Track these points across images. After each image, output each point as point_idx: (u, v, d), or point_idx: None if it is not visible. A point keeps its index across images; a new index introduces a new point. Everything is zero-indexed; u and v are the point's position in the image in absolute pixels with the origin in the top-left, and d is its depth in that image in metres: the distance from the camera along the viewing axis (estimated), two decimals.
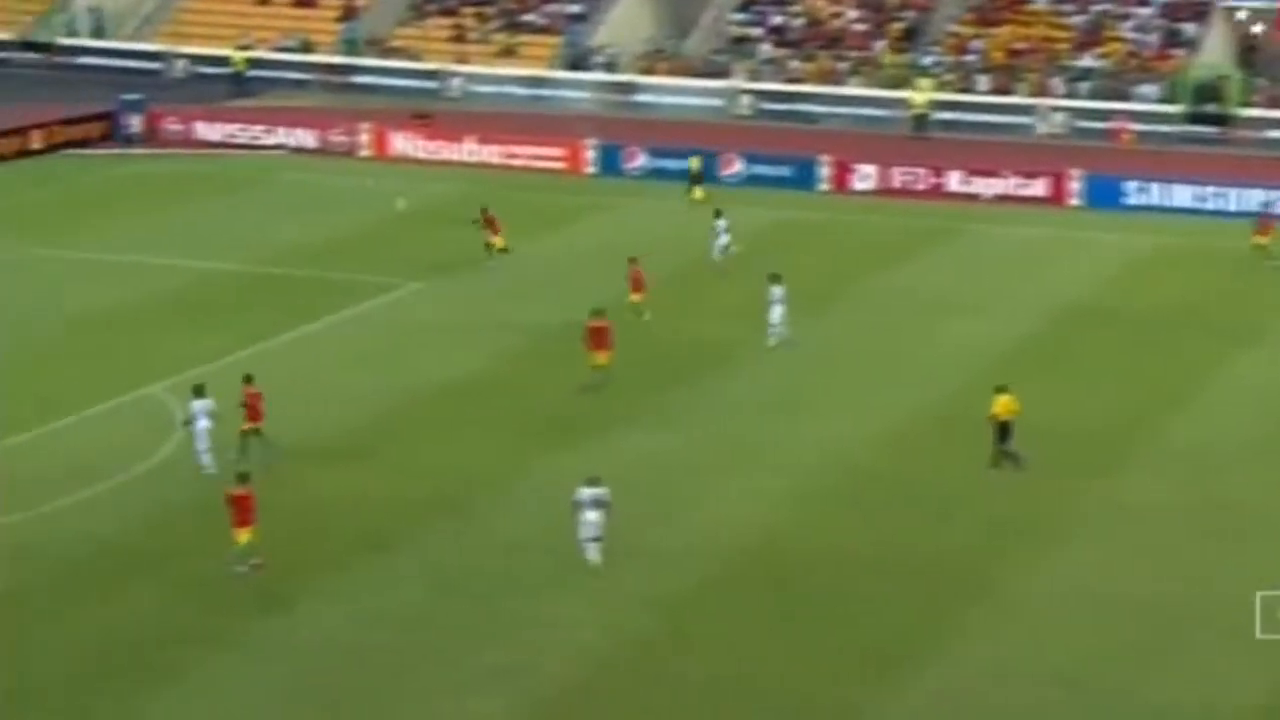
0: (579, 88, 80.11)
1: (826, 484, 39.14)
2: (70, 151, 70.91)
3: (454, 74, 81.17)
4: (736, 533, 36.69)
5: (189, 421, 39.38)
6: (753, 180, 66.84)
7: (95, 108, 73.80)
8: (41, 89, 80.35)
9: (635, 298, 49.10)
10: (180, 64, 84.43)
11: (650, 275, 49.83)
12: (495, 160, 69.95)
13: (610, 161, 68.08)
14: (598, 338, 44.40)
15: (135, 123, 73.02)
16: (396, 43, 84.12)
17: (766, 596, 34.09)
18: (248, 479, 34.84)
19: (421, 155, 70.79)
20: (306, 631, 32.50)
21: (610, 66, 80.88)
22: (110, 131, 72.93)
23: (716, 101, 78.01)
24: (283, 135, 72.83)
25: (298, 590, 33.99)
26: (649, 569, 35.04)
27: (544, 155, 69.89)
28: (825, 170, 66.95)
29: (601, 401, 43.71)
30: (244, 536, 34.31)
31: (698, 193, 63.49)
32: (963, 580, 34.63)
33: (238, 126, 73.68)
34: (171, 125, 73.73)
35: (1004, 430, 39.51)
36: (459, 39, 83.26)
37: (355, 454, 40.76)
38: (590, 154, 69.26)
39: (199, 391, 39.52)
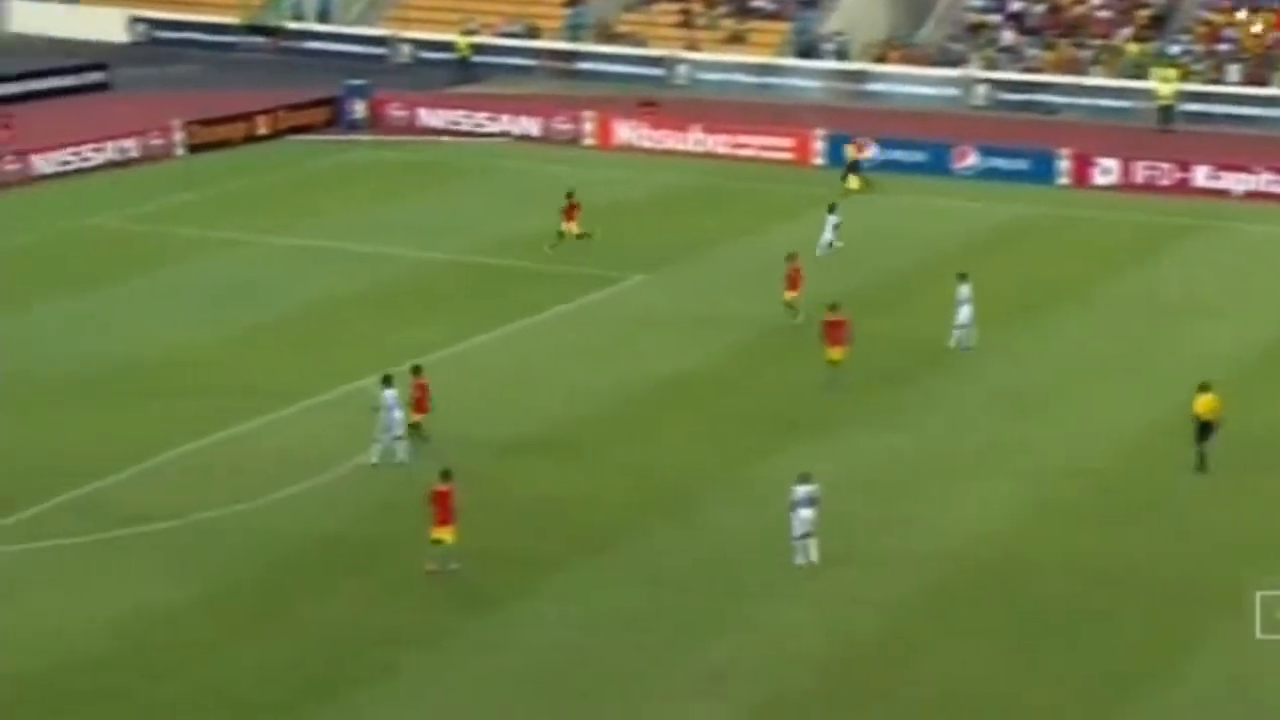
0: (809, 76, 79.60)
1: (1061, 492, 38.40)
2: (295, 137, 71.90)
3: (681, 61, 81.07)
4: (967, 539, 36.12)
5: (377, 408, 39.57)
6: (988, 174, 65.88)
7: (320, 93, 74.72)
8: (267, 74, 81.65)
9: (790, 295, 48.55)
10: (405, 49, 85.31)
11: (868, 271, 49.27)
12: (722, 150, 69.69)
13: (840, 153, 67.51)
14: (834, 333, 44.07)
15: (359, 109, 73.78)
16: (623, 28, 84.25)
17: (998, 606, 33.53)
18: (450, 476, 34.90)
19: (646, 144, 70.78)
20: (522, 631, 32.52)
21: (841, 55, 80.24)
22: (335, 117, 73.79)
23: (951, 91, 77.04)
24: (506, 122, 73.21)
25: (514, 589, 34.04)
26: (875, 574, 34.64)
27: (772, 145, 69.49)
28: (1064, 164, 65.80)
29: (828, 400, 43.31)
30: (445, 535, 34.23)
31: (853, 182, 62.95)
32: (1201, 596, 33.80)
33: (461, 113, 74.19)
34: (395, 111, 74.43)
35: (1205, 429, 38.50)
36: (686, 25, 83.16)
37: (574, 451, 40.79)
38: (819, 145, 68.74)
39: (387, 382, 39.77)
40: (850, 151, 64.70)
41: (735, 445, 40.82)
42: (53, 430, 41.60)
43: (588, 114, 72.08)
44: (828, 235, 54.87)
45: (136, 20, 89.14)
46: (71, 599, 33.71)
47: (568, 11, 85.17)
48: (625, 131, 71.46)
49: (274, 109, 72.50)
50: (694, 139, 70.46)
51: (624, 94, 76.02)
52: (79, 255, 55.92)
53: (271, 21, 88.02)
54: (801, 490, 34.41)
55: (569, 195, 55.72)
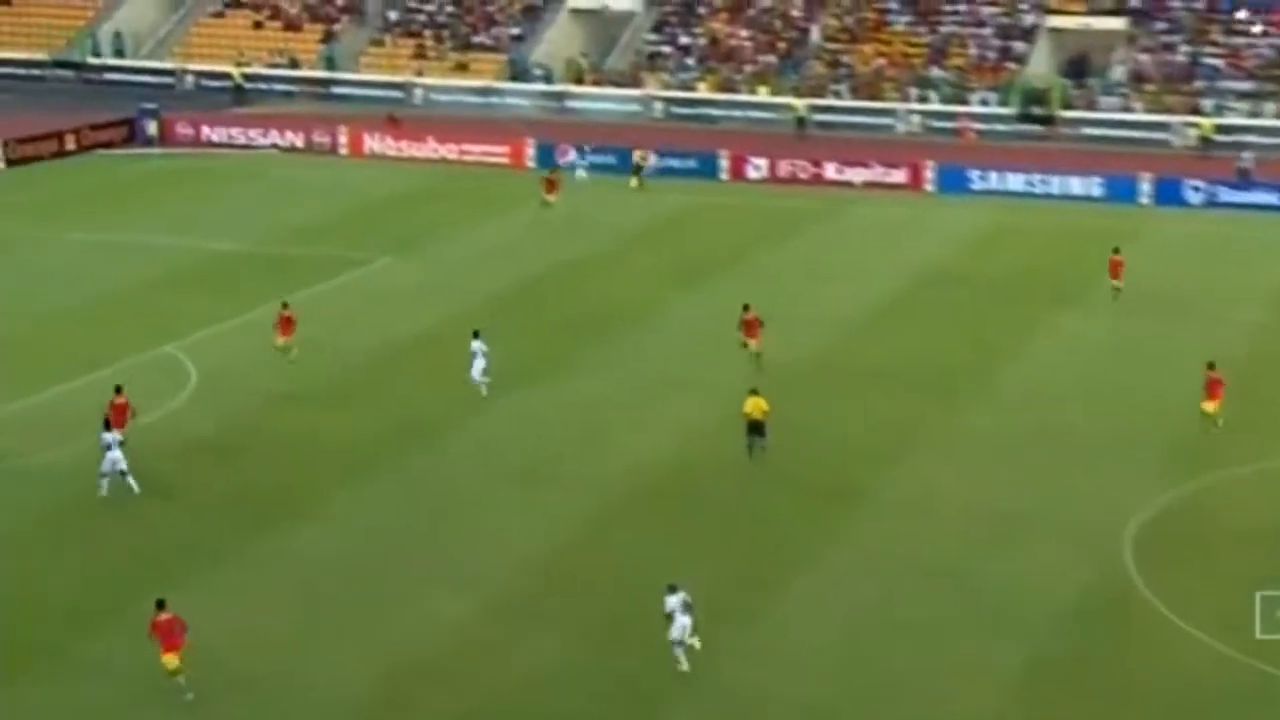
0: (521, 96, 79.42)
1: (730, 410, 38.85)
2: (99, 152, 69.78)
3: (417, 85, 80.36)
4: (650, 459, 36.26)
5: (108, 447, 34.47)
6: (666, 172, 66.37)
7: (118, 115, 72.69)
8: (72, 100, 79.07)
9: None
10: (189, 79, 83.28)
11: (577, 248, 49.14)
12: (452, 157, 69.24)
13: (550, 159, 67.42)
14: (751, 328, 41.56)
15: (152, 127, 71.99)
16: (369, 60, 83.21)
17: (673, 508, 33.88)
18: (164, 605, 27.22)
19: (391, 153, 70.09)
20: (301, 550, 32.04)
21: (547, 78, 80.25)
22: (132, 135, 71.87)
23: (635, 107, 77.52)
24: (274, 136, 71.99)
25: (286, 515, 33.51)
26: (572, 492, 34.65)
27: (492, 152, 69.23)
28: (725, 163, 66.62)
29: (542, 353, 43.39)
30: (172, 661, 26.72)
31: (634, 182, 63.35)
32: (834, 491, 34.59)
33: (237, 130, 72.70)
34: (183, 129, 72.69)
35: (756, 427, 35.94)
36: (420, 56, 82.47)
37: (340, 400, 40.23)
38: (530, 151, 68.66)
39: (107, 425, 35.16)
40: (636, 157, 64.72)
41: (469, 390, 40.70)
42: None
43: (342, 128, 71.17)
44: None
45: None
46: None
47: (322, 46, 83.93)
48: (373, 143, 70.72)
49: (79, 128, 70.33)
50: (430, 148, 69.93)
51: (372, 112, 75.13)
52: None
53: (75, 57, 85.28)
54: (672, 599, 27.95)
55: (551, 170, 55.17)
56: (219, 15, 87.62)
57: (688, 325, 46.07)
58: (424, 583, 30.63)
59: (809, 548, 32.05)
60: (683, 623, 27.64)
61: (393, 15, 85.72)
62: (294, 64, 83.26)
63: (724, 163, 66.61)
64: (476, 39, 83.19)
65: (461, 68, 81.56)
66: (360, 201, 60.34)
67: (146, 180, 65.79)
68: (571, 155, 65.61)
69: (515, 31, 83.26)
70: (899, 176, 64.99)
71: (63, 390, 40.43)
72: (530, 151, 68.62)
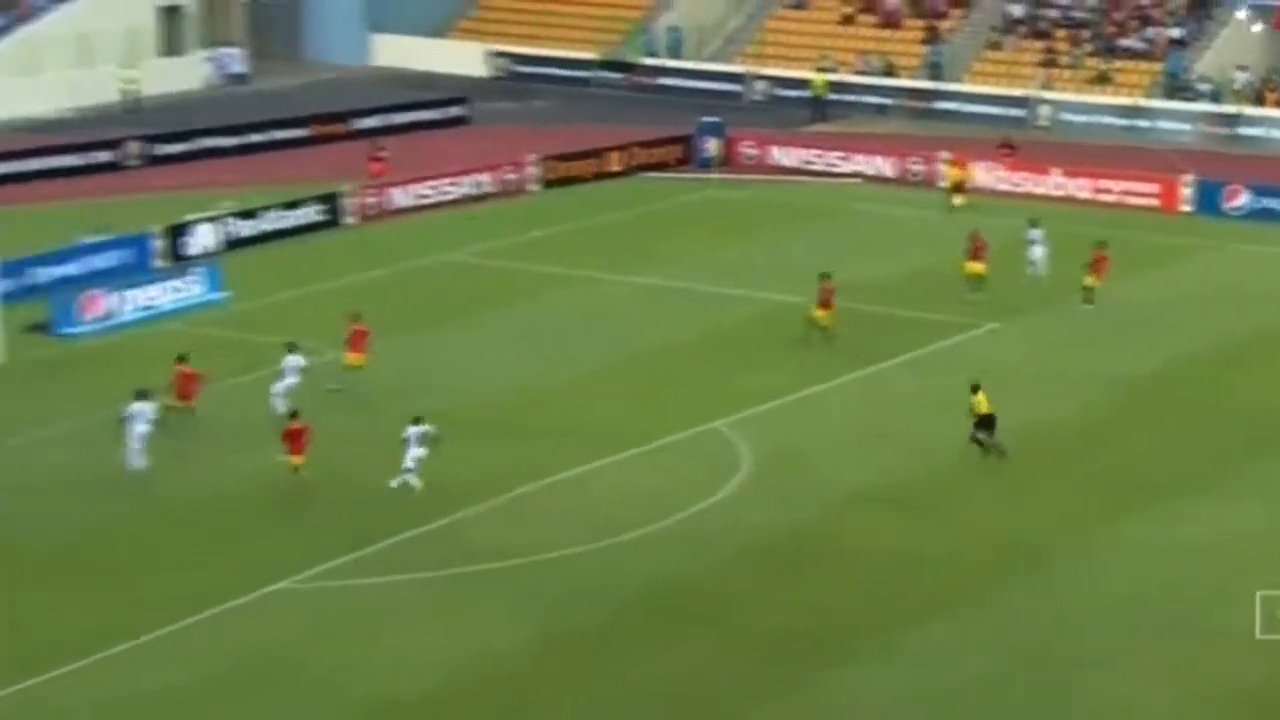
0: (1178, 119, 78.33)
1: None
2: (646, 174, 72.94)
3: (1042, 101, 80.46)
4: None
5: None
6: None
7: (673, 130, 75.64)
8: (620, 109, 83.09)
9: (820, 314, 50.91)
10: (759, 86, 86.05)
11: (1229, 329, 48.36)
12: (1081, 195, 68.96)
13: (1209, 200, 66.19)
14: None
15: (712, 146, 74.28)
16: (982, 67, 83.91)
17: None
18: (299, 415, 41.67)
19: (1003, 187, 70.21)
20: (867, 692, 32.60)
21: (1214, 97, 78.83)
22: (687, 155, 74.66)
23: None
24: (859, 162, 73.25)
25: (859, 648, 34.14)
26: (1232, 654, 33.94)
27: (1135, 191, 68.54)
28: None
29: (1178, 465, 42.75)
30: (298, 461, 40.51)
31: (957, 199, 65.45)
32: None
33: (814, 152, 74.48)
34: (748, 149, 74.99)
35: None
36: (1048, 64, 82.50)
37: (918, 507, 40.77)
38: (1186, 191, 67.60)
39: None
40: (951, 169, 66.47)
41: (1091, 506, 40.33)
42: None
43: (943, 154, 71.76)
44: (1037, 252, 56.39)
45: (495, 55, 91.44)
46: (417, 632, 34.76)
47: (925, 49, 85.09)
48: (982, 174, 70.97)
49: (627, 145, 73.65)
50: (1052, 182, 69.78)
51: (982, 135, 75.58)
52: (430, 290, 57.57)
53: (627, 57, 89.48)
54: (412, 429, 40.43)
55: (973, 236, 55.79)
56: (799, 7, 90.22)
57: None
58: None
59: None
60: (415, 454, 40.02)
61: (1015, 10, 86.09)
62: (888, 71, 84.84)
63: None
64: (1124, 43, 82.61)
65: (1101, 80, 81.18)
66: (955, 248, 60.85)
67: (701, 211, 68.32)
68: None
69: (1175, 34, 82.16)
70: None
71: (580, 473, 42.47)
72: (1186, 192, 67.56)
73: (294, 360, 45.37)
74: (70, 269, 56.40)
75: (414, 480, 40.50)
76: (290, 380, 45.14)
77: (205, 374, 44.69)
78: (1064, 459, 43.46)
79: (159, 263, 58.76)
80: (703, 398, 47.11)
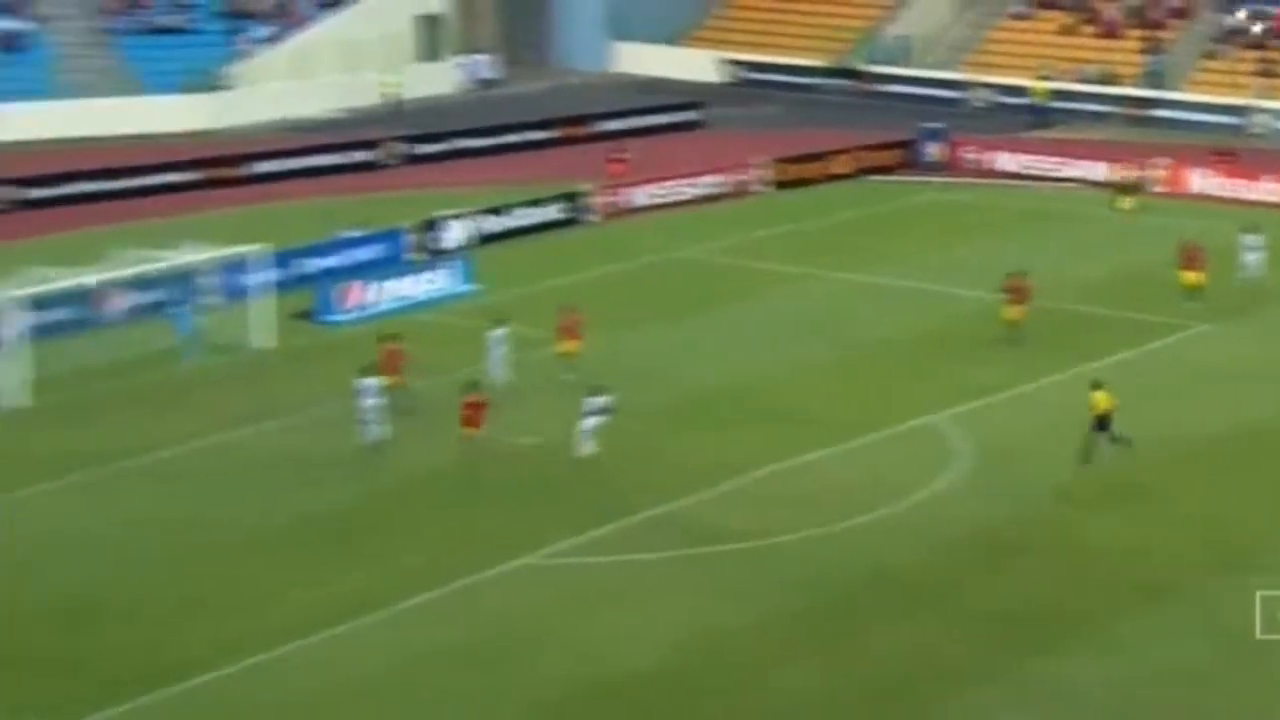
0: None
1: None
2: (871, 177, 72.60)
3: (1258, 110, 78.75)
4: None
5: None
6: None
7: (897, 135, 75.26)
8: (846, 115, 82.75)
9: (1012, 311, 50.08)
10: (981, 93, 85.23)
11: None
12: None
13: None
14: None
15: (934, 151, 73.97)
16: (1200, 76, 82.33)
17: None
18: (477, 386, 44.19)
19: (1220, 194, 68.77)
20: (1079, 679, 32.18)
21: None
22: (910, 159, 74.22)
23: None
24: (1077, 168, 72.24)
25: (1073, 634, 33.68)
26: None
27: None
28: None
29: None
30: (474, 433, 41.53)
31: (1126, 203, 63.84)
32: None
33: (1033, 158, 73.52)
34: (968, 154, 74.32)
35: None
36: (1265, 73, 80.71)
37: (1132, 500, 40.11)
38: None
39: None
40: (1123, 173, 66.24)
41: None
42: (649, 448, 43.11)
43: (1159, 161, 70.50)
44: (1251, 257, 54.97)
45: (727, 62, 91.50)
46: (642, 611, 34.91)
47: (1145, 59, 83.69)
48: (1197, 180, 69.59)
49: (852, 149, 73.39)
50: (1264, 189, 68.18)
51: (1199, 143, 74.17)
52: (666, 285, 57.80)
53: (853, 65, 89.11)
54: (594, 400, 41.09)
55: (1185, 245, 54.68)
56: (1023, 18, 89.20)
57: None
58: None
59: None
60: (593, 422, 40.90)
61: (1235, 19, 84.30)
62: (1108, 79, 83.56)
63: None
64: None
65: None
66: (1169, 250, 59.78)
67: (922, 214, 67.87)
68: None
69: None
70: None
71: (804, 461, 42.41)
72: None
73: (499, 332, 46.84)
74: (333, 261, 57.41)
75: (590, 446, 41.21)
76: (498, 351, 46.78)
77: (409, 353, 45.34)
78: (1276, 458, 42.49)
79: (414, 256, 59.61)
80: (920, 392, 46.81)
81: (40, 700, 31.45)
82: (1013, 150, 74.47)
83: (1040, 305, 52.00)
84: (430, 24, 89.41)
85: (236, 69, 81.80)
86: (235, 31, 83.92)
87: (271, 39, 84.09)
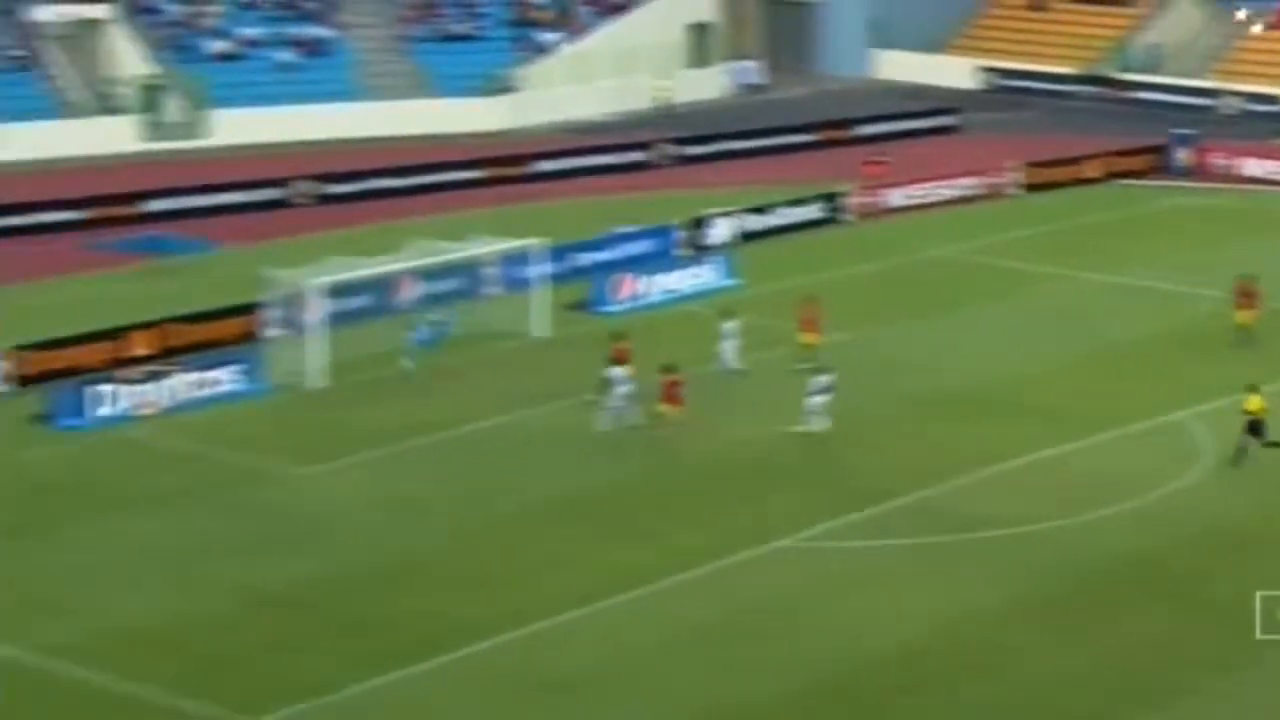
0: None
1: None
2: (1122, 181, 71.33)
3: None
4: None
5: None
6: None
7: (1147, 140, 73.86)
8: (1097, 121, 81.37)
9: (1243, 315, 48.90)
10: (1231, 101, 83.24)
11: None
12: None
13: None
14: None
15: (1184, 156, 72.39)
16: None
17: None
18: (674, 368, 42.18)
19: None
20: None
21: None
22: (1160, 164, 72.76)
23: None
24: None
25: None
26: None
27: None
28: None
29: None
30: (666, 411, 41.55)
31: None
32: None
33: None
34: (1218, 160, 72.66)
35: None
36: None
37: None
38: None
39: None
40: None
41: None
42: (903, 438, 43.06)
43: None
44: None
45: (984, 69, 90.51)
46: (899, 594, 34.88)
47: None
48: None
49: (1103, 154, 72.21)
50: None
51: None
52: (922, 283, 57.44)
53: (1105, 72, 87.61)
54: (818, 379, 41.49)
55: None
56: (1276, 28, 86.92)
57: None
58: None
59: None
60: (819, 400, 41.23)
61: None
62: None
63: None
64: None
65: None
66: None
67: (1171, 217, 66.46)
68: None
69: None
70: None
71: (1055, 453, 41.94)
72: None
73: (731, 324, 46.97)
74: (606, 255, 58.01)
75: (815, 425, 41.80)
76: (730, 342, 46.83)
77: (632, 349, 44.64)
78: None
79: (681, 251, 60.00)
80: (1167, 389, 46.07)
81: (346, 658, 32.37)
82: (1261, 157, 72.62)
83: (1275, 308, 50.73)
84: (700, 32, 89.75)
85: (521, 73, 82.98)
86: (521, 38, 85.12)
87: (554, 45, 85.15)
